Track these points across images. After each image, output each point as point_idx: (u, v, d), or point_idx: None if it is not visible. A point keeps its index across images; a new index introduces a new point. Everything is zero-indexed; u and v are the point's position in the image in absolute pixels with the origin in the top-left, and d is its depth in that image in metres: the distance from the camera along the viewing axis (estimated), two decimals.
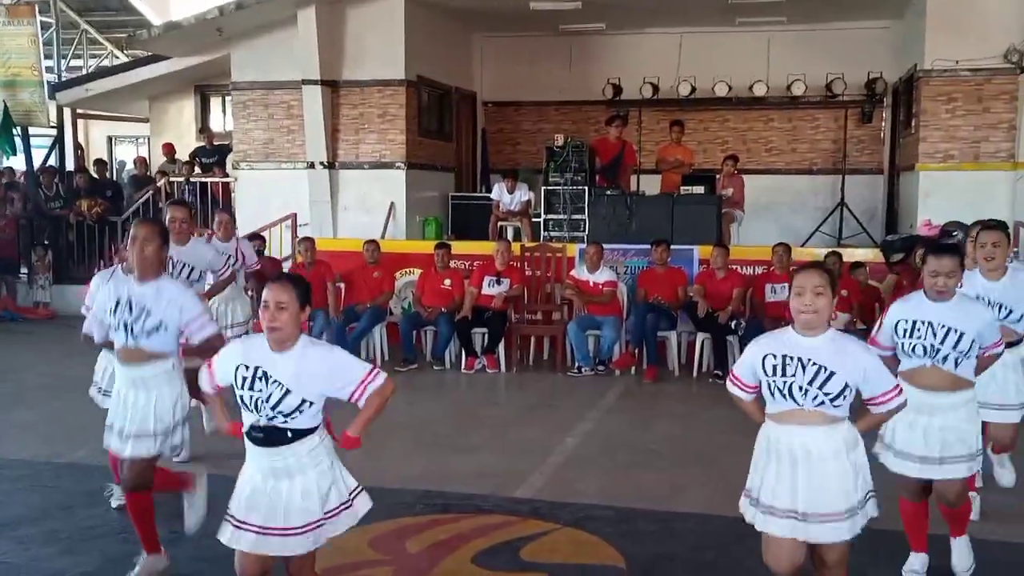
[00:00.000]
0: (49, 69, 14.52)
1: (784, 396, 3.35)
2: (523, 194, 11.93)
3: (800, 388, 3.31)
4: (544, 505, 5.34)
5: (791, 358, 3.33)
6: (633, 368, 9.29)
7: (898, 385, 3.44)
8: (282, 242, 11.79)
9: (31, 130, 13.65)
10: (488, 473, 5.99)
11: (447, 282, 9.83)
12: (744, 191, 11.82)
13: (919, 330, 4.08)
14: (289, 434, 3.33)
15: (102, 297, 4.40)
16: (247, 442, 3.41)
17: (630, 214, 10.80)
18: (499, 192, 12.00)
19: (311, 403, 3.33)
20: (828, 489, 3.31)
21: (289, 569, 3.44)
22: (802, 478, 3.33)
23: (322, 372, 3.35)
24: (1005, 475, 5.35)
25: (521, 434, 7.12)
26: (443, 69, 13.31)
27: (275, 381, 3.29)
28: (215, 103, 15.99)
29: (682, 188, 11.35)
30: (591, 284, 9.54)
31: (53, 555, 4.63)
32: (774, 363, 3.37)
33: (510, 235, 11.76)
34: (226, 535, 3.38)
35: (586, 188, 11.48)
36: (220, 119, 15.77)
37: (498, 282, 9.67)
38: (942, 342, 4.04)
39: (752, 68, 13.18)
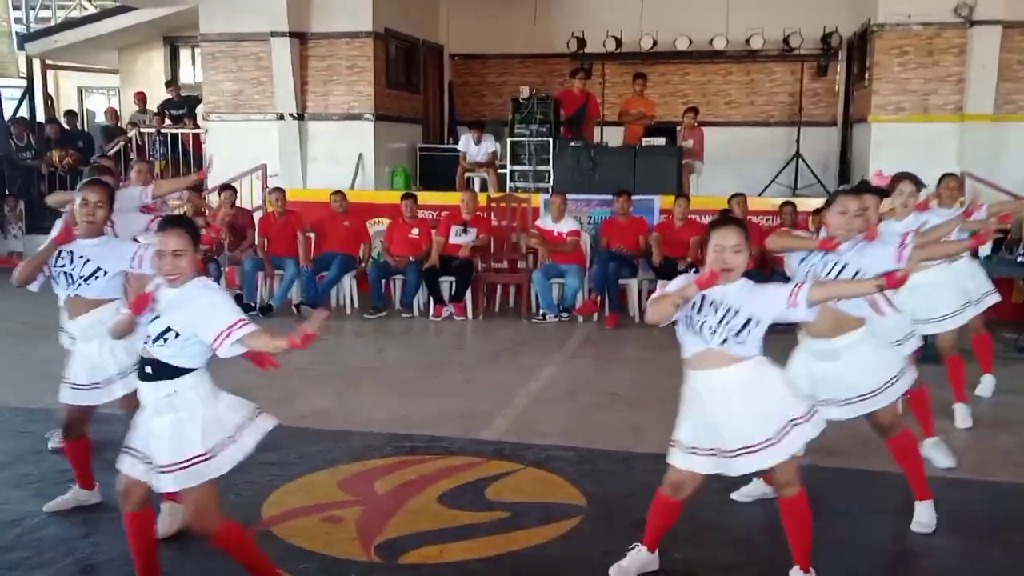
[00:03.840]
0: (17, 20, 14.48)
1: (696, 332, 3.55)
2: (489, 145, 12.12)
3: (710, 328, 3.52)
4: (508, 446, 5.54)
5: (708, 299, 3.54)
6: (595, 315, 9.61)
7: (797, 284, 3.54)
8: (252, 193, 11.98)
9: (1, 81, 13.65)
10: (454, 416, 6.20)
11: (415, 231, 10.11)
12: (703, 143, 12.08)
13: (827, 264, 4.18)
14: (163, 369, 3.40)
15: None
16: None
17: (593, 165, 10.99)
18: (466, 143, 12.18)
19: (177, 334, 3.36)
20: (738, 426, 3.54)
21: (187, 511, 3.62)
22: (718, 419, 3.57)
23: (198, 305, 3.37)
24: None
25: (487, 378, 7.37)
26: (411, 21, 13.38)
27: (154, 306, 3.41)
28: (184, 54, 15.90)
29: (644, 140, 11.57)
30: (555, 233, 9.84)
31: (24, 498, 4.76)
32: (694, 300, 3.55)
33: (476, 186, 12.01)
34: (124, 464, 3.54)
35: (551, 140, 11.69)
36: (190, 70, 15.74)
37: (465, 232, 9.92)
38: (853, 277, 4.09)
39: (712, 22, 13.35)
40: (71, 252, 4.40)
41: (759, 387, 3.58)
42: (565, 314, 9.61)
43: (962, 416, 5.93)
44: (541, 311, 9.63)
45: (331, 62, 12.40)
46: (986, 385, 6.61)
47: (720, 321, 3.51)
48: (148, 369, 3.43)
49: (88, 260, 4.39)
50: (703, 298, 3.55)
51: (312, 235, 10.21)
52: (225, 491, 4.81)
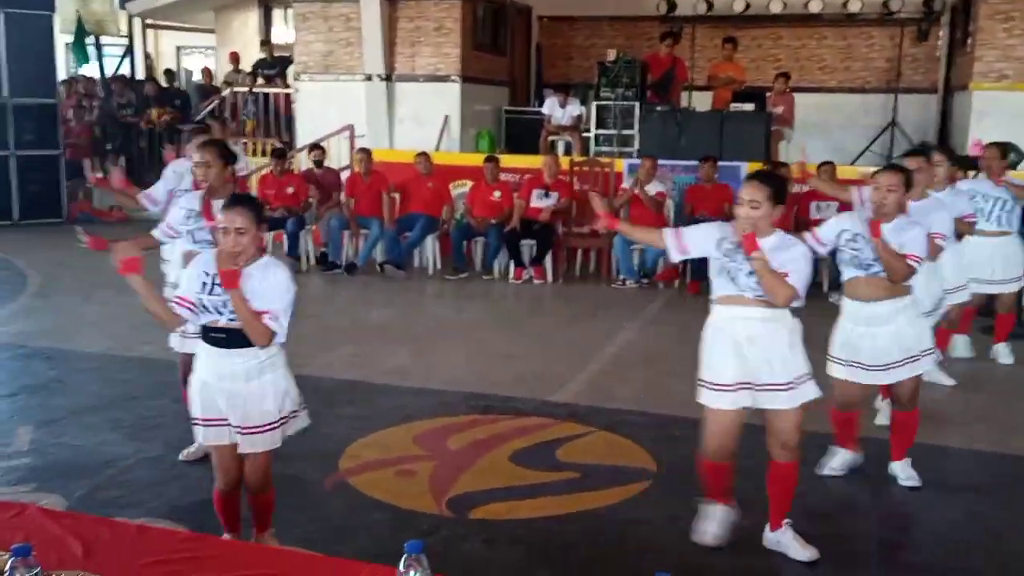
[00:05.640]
0: None
1: (731, 279, 3.62)
2: (574, 109, 12.04)
3: (746, 275, 3.58)
4: (581, 409, 5.60)
5: (740, 248, 3.57)
6: (676, 281, 9.56)
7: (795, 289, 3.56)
8: (339, 153, 12.18)
9: (103, 39, 14.11)
10: (529, 378, 6.28)
11: (496, 194, 10.16)
12: (794, 109, 11.82)
13: (857, 242, 4.28)
14: None
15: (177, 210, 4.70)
16: (203, 346, 3.51)
17: (679, 130, 10.88)
18: (551, 106, 12.13)
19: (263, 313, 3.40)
20: (771, 362, 3.61)
21: (244, 470, 3.57)
22: (746, 354, 3.63)
23: (269, 289, 3.41)
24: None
25: (563, 342, 7.43)
26: None
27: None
28: (278, 15, 16.16)
29: (732, 105, 11.36)
30: (640, 196, 9.76)
31: (118, 440, 4.98)
32: (728, 247, 3.62)
33: (560, 149, 11.97)
34: (202, 435, 3.54)
35: (637, 104, 11.57)
36: (283, 31, 16.02)
37: (546, 195, 9.94)
38: (876, 260, 4.22)
39: None
40: (199, 212, 4.54)
41: (787, 335, 3.65)
42: (645, 280, 9.57)
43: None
44: (621, 276, 9.62)
45: (419, 23, 12.45)
46: (1000, 352, 6.90)
47: (751, 273, 3.56)
48: None
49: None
50: (738, 246, 3.59)
51: (397, 196, 10.35)
52: (304, 442, 5.03)
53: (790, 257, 3.57)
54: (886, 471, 4.62)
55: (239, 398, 3.45)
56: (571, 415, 5.52)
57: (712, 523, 3.88)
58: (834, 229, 4.41)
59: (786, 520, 3.82)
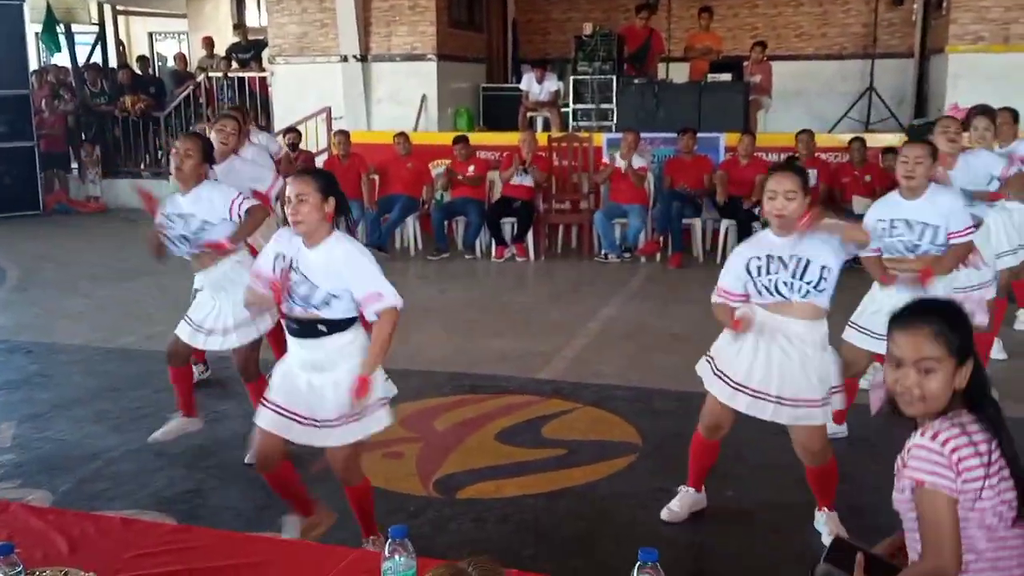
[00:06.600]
0: None
1: (772, 293, 3.50)
2: (552, 84, 12.00)
3: (785, 284, 3.47)
4: (566, 386, 5.61)
5: (772, 257, 3.48)
6: (658, 255, 9.58)
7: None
8: (317, 136, 12.10)
9: (74, 27, 13.92)
10: (514, 356, 6.28)
11: (471, 169, 10.14)
12: (772, 77, 11.80)
13: (896, 227, 4.26)
14: (323, 327, 3.32)
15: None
16: (287, 332, 3.44)
17: (657, 102, 10.86)
18: (528, 83, 12.08)
19: (337, 296, 3.29)
20: (808, 376, 3.50)
21: (329, 460, 3.48)
22: (767, 362, 3.53)
23: (345, 269, 3.29)
24: None
25: (547, 319, 7.42)
26: None
27: (302, 275, 3.28)
28: None
29: (709, 75, 11.33)
30: (623, 171, 9.74)
31: (103, 433, 4.97)
32: (758, 264, 3.51)
33: (539, 125, 11.94)
34: (263, 419, 3.40)
35: (614, 77, 11.55)
36: (256, 14, 15.84)
37: (525, 171, 9.89)
38: (920, 238, 4.21)
39: None
40: (179, 213, 4.47)
41: (821, 351, 3.56)
42: (627, 254, 9.58)
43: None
44: (603, 251, 9.62)
45: (394, 2, 12.33)
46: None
47: (793, 274, 3.46)
48: (322, 327, 3.32)
49: (193, 216, 4.45)
50: (768, 258, 3.50)
51: (376, 177, 10.30)
52: None
53: (824, 248, 3.45)
54: (871, 438, 4.64)
55: (316, 390, 3.35)
56: (556, 392, 5.53)
57: (675, 501, 3.91)
58: (871, 220, 4.31)
59: (825, 506, 3.75)
